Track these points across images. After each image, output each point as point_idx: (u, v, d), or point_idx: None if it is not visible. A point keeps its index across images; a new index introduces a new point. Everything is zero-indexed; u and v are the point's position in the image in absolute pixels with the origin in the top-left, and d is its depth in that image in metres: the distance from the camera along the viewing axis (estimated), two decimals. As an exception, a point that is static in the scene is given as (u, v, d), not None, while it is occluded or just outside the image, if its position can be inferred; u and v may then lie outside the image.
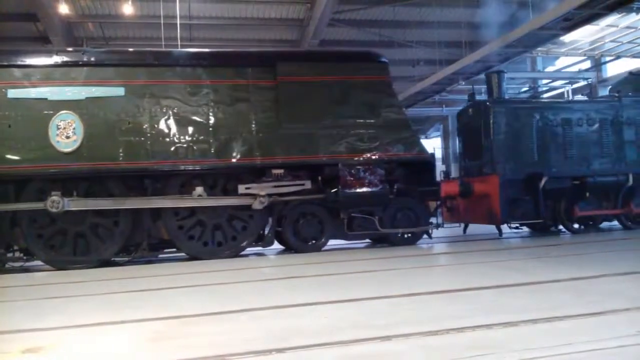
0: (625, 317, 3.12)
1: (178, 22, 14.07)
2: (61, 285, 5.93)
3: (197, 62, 8.08)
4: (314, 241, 8.28)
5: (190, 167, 7.72)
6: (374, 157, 8.17)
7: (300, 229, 8.21)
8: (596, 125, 9.87)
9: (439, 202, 9.53)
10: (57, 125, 7.28)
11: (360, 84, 8.37)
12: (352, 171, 8.03)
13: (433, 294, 4.18)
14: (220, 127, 7.81)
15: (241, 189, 7.85)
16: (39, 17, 14.80)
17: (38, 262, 7.62)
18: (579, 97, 18.17)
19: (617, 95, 10.35)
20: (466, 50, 16.78)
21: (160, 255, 8.25)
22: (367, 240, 9.29)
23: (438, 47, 17.91)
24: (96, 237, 7.56)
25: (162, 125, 7.64)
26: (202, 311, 3.85)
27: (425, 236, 8.93)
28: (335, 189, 7.97)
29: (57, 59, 7.58)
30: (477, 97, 10.89)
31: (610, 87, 13.41)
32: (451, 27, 17.51)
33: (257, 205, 7.83)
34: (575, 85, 20.80)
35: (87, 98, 7.44)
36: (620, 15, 16.25)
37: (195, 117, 7.76)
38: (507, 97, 10.54)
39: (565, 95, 20.55)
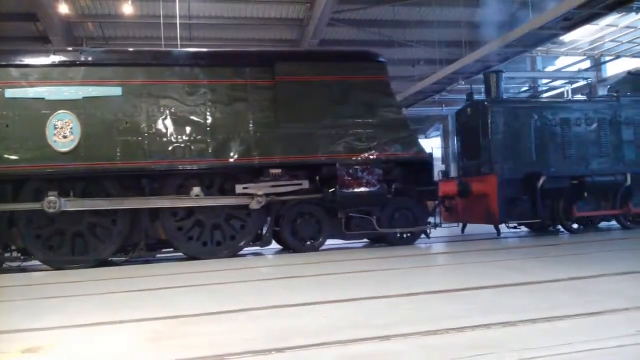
0: (625, 317, 3.12)
1: (178, 22, 14.07)
2: (59, 285, 5.92)
3: (195, 61, 8.07)
4: (312, 241, 8.27)
5: (188, 167, 7.71)
6: (372, 157, 8.16)
7: (298, 229, 8.20)
8: (595, 125, 9.88)
9: (437, 202, 9.53)
10: (55, 125, 7.26)
11: (358, 84, 8.36)
12: (350, 171, 8.02)
13: (432, 294, 4.18)
14: (218, 127, 7.79)
15: (239, 189, 7.84)
16: (39, 17, 14.80)
17: (36, 262, 7.61)
18: (577, 97, 18.18)
19: (615, 95, 10.36)
20: (466, 50, 16.79)
21: (158, 256, 8.24)
22: (365, 240, 9.28)
23: (438, 47, 17.93)
24: (94, 237, 7.55)
25: (159, 125, 7.62)
26: (201, 311, 3.84)
27: (423, 236, 8.92)
28: (333, 189, 7.97)
29: (54, 58, 7.56)
30: (476, 97, 10.89)
31: (608, 87, 13.43)
32: (451, 27, 17.53)
33: (254, 205, 7.82)
34: (575, 85, 20.81)
35: (84, 98, 7.42)
36: (620, 15, 16.27)
37: (193, 117, 7.75)
38: (505, 97, 10.55)
39: (565, 95, 20.55)
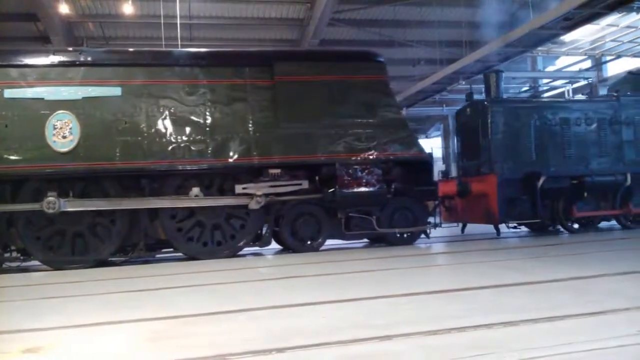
0: (625, 317, 3.11)
1: (178, 21, 14.06)
2: (59, 285, 5.91)
3: (194, 61, 8.07)
4: (311, 241, 8.27)
5: (188, 167, 7.70)
6: (371, 156, 8.15)
7: (297, 228, 8.19)
8: (594, 125, 9.87)
9: (437, 202, 9.53)
10: (54, 125, 7.25)
11: (357, 84, 8.36)
12: (350, 171, 8.01)
13: (431, 294, 4.17)
14: (217, 127, 7.79)
15: (238, 188, 7.83)
16: (39, 17, 14.79)
17: (35, 262, 7.60)
18: (577, 96, 18.18)
19: (615, 94, 10.36)
20: (466, 49, 16.79)
21: (157, 255, 8.23)
22: (365, 240, 9.28)
23: (438, 47, 17.92)
24: (94, 236, 7.54)
25: (159, 125, 7.62)
26: (200, 311, 3.84)
27: (423, 236, 8.92)
28: (333, 189, 7.96)
29: (53, 58, 7.56)
30: (476, 97, 10.89)
31: (608, 86, 13.42)
32: (451, 27, 17.52)
33: (253, 205, 7.81)
34: (575, 85, 20.82)
35: (83, 98, 7.42)
36: (620, 15, 16.28)
37: (192, 117, 7.74)
38: (505, 96, 10.54)
39: (566, 95, 20.56)
